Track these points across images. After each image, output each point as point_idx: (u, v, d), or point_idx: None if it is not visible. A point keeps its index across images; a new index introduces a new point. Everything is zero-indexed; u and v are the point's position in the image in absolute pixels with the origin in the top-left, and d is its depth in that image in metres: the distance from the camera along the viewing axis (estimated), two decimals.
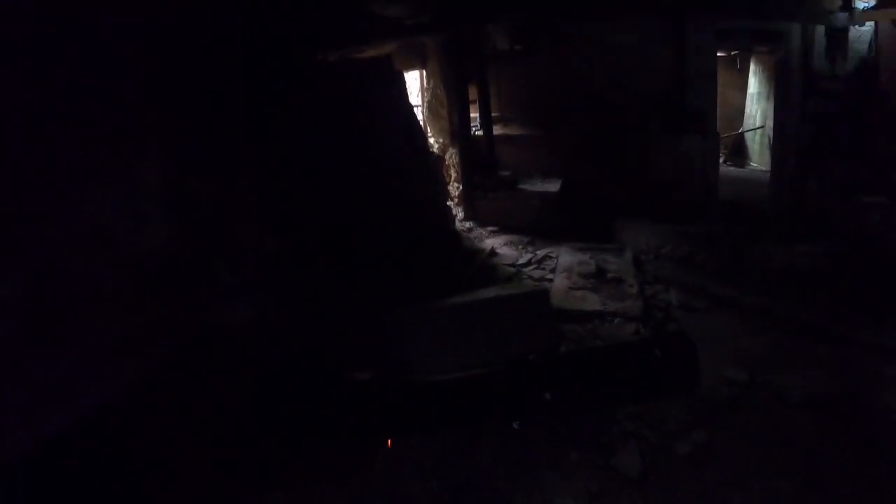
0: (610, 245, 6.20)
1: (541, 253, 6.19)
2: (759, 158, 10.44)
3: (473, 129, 7.87)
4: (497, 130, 8.00)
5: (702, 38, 6.93)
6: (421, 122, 8.88)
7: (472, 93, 7.54)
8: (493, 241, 6.74)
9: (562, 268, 5.55)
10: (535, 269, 5.77)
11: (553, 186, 7.25)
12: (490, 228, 7.18)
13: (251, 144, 3.72)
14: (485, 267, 5.75)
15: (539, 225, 7.01)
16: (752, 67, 10.60)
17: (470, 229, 7.22)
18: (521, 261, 5.96)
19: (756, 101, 10.60)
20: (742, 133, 11.00)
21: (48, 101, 2.25)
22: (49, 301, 2.19)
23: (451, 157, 7.98)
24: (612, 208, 7.15)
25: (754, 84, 10.65)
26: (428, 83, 8.59)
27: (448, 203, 7.55)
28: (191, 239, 3.00)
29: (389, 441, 3.14)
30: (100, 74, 2.49)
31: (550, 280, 5.38)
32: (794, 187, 7.12)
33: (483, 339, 3.82)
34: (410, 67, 8.24)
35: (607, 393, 3.31)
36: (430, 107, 8.48)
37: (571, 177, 7.56)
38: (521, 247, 6.56)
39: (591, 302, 4.72)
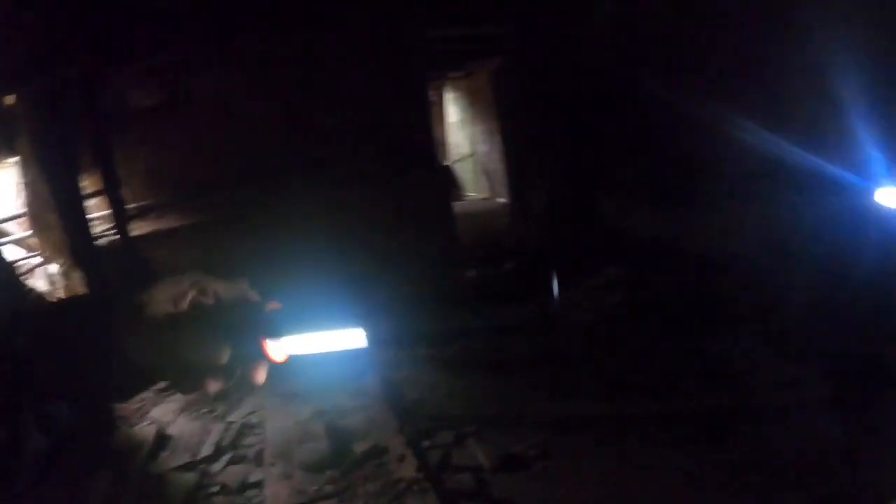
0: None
1: (237, 418, 4.00)
2: (473, 187, 10.09)
3: (114, 231, 5.32)
4: (146, 228, 5.55)
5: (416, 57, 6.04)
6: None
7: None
8: (164, 410, 4.32)
9: (273, 453, 3.46)
10: (230, 461, 3.55)
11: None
12: (161, 384, 4.69)
13: None
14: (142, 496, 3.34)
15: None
16: (448, 96, 10.28)
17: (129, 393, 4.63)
18: (204, 450, 3.67)
19: (460, 129, 10.21)
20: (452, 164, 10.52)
21: None
22: None
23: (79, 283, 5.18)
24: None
25: (455, 112, 10.30)
26: (26, 177, 5.48)
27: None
28: None
29: None
30: None
31: (257, 488, 3.27)
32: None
33: None
34: None
35: None
36: (33, 212, 5.45)
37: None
38: (208, 408, 4.27)
39: None
